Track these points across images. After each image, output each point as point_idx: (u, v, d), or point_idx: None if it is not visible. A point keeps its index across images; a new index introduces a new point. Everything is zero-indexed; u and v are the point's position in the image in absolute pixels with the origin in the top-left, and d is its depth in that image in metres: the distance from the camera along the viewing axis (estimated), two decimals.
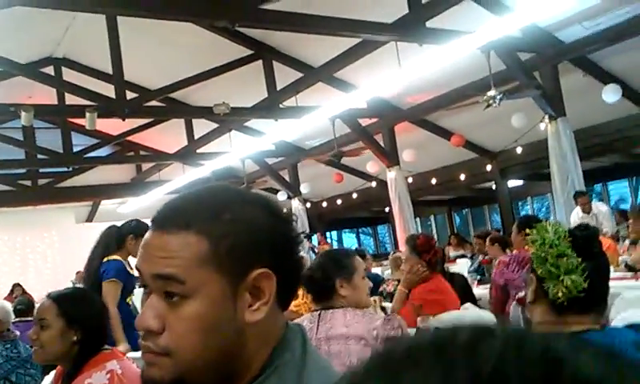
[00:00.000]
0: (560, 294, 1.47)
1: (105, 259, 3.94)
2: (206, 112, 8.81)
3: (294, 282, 0.87)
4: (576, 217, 7.14)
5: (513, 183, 12.35)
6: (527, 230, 3.01)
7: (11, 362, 3.56)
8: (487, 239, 5.76)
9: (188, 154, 11.23)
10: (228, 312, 0.78)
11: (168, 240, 0.79)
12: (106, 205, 14.77)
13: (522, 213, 15.00)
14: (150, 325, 0.78)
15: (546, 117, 7.80)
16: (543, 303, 1.52)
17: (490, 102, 6.99)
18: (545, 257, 1.56)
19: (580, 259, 1.49)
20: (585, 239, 1.55)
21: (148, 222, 0.88)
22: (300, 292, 4.62)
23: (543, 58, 7.77)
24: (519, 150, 10.23)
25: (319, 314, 2.29)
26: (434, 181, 12.17)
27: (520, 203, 15.58)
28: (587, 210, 7.20)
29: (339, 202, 14.47)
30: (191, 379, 0.78)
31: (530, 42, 7.47)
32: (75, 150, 11.50)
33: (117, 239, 3.99)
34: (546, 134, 7.91)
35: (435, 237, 16.05)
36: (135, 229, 4.00)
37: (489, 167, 11.31)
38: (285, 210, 0.89)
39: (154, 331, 0.78)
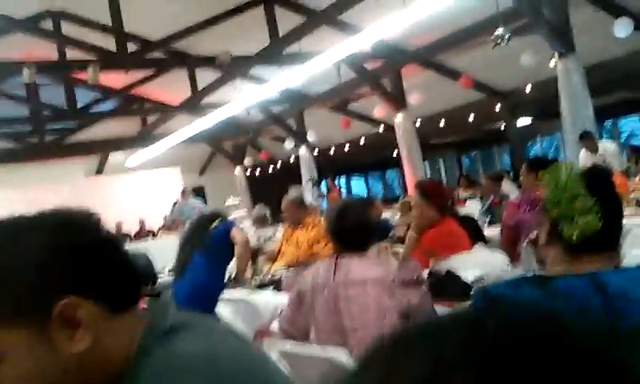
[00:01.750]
0: (574, 236, 1.45)
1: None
2: (209, 61, 8.70)
3: (119, 281, 0.82)
4: (584, 157, 7.07)
5: (522, 122, 12.22)
6: (540, 172, 3.00)
7: None
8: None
9: (193, 105, 11.16)
10: (46, 356, 0.74)
11: None
12: (114, 158, 14.80)
13: (532, 152, 14.90)
14: None
15: (556, 54, 7.63)
16: (557, 245, 1.50)
17: (499, 40, 6.84)
18: (558, 199, 1.53)
19: (594, 199, 1.46)
20: (598, 179, 1.52)
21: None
22: (324, 239, 4.59)
23: None
24: (528, 88, 10.08)
25: (336, 260, 2.31)
26: (442, 123, 12.05)
27: (529, 143, 15.45)
28: (594, 149, 7.11)
29: (347, 147, 14.41)
30: None
31: None
32: (80, 104, 11.45)
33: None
34: (555, 71, 7.75)
35: (444, 180, 16.10)
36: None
37: (498, 107, 11.17)
38: (84, 219, 0.82)
39: None
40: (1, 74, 9.66)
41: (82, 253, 0.79)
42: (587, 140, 7.14)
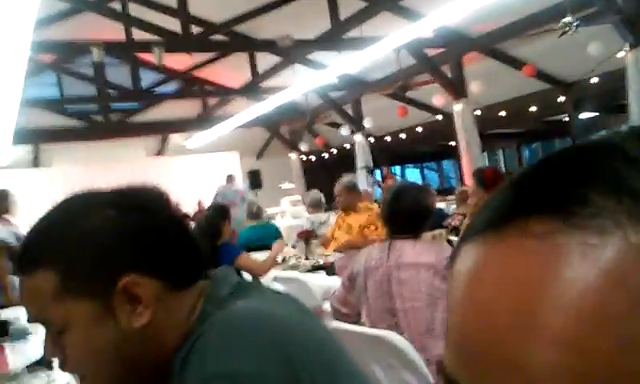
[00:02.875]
0: None
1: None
2: (270, 45, 8.77)
3: (182, 264, 0.84)
4: None
5: (586, 115, 11.81)
6: None
7: None
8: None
9: (252, 89, 11.29)
10: (108, 328, 0.78)
11: (27, 284, 0.80)
12: (175, 139, 15.18)
13: None
14: (51, 358, 0.84)
15: (626, 44, 7.33)
16: None
17: (566, 29, 6.62)
18: None
19: None
20: None
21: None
22: (379, 223, 4.63)
23: None
24: (595, 80, 9.72)
25: (389, 243, 2.32)
26: (502, 113, 11.77)
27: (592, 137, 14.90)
28: None
29: (403, 136, 14.29)
30: None
31: None
32: (143, 85, 11.77)
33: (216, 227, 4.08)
34: (624, 63, 7.45)
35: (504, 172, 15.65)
36: (221, 215, 4.18)
37: (561, 99, 10.82)
38: (149, 197, 0.85)
39: (60, 360, 0.81)
40: (71, 53, 10.05)
41: (149, 232, 0.83)
42: None
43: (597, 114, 12.50)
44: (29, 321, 0.83)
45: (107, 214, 0.82)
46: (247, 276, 3.91)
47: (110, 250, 0.79)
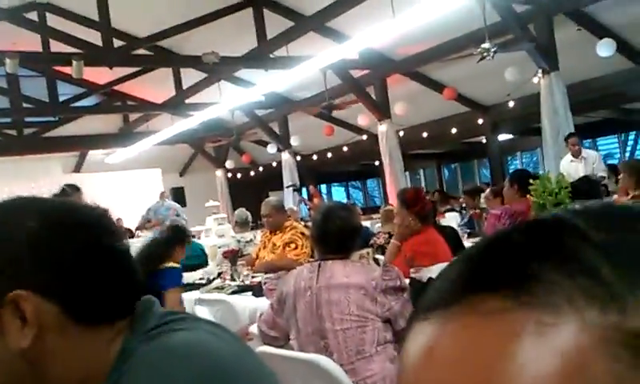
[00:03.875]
0: None
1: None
2: (195, 61, 8.65)
3: (102, 292, 0.78)
4: (566, 162, 7.13)
5: (503, 137, 12.35)
6: (531, 180, 3.02)
7: None
8: (488, 191, 5.82)
9: (176, 105, 11.08)
10: None
11: None
12: (94, 155, 14.63)
13: (511, 167, 15.07)
14: None
15: (540, 70, 7.74)
16: None
17: (485, 54, 6.90)
18: (543, 204, 1.55)
19: None
20: (585, 190, 1.54)
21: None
22: (300, 242, 4.66)
23: (538, 11, 7.66)
24: (511, 103, 10.19)
25: (319, 264, 2.30)
26: (424, 134, 12.13)
27: (509, 158, 15.62)
28: (577, 153, 7.17)
29: (329, 154, 14.43)
30: None
31: None
32: (61, 99, 11.30)
33: (165, 249, 3.79)
34: (538, 88, 7.86)
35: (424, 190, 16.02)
36: (180, 236, 3.89)
37: (480, 121, 11.28)
38: (84, 219, 0.80)
39: None
40: None
41: (64, 255, 0.77)
42: (572, 139, 7.14)
43: (513, 136, 13.11)
44: None
45: (25, 224, 0.77)
46: None
47: (10, 261, 0.75)
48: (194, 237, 7.44)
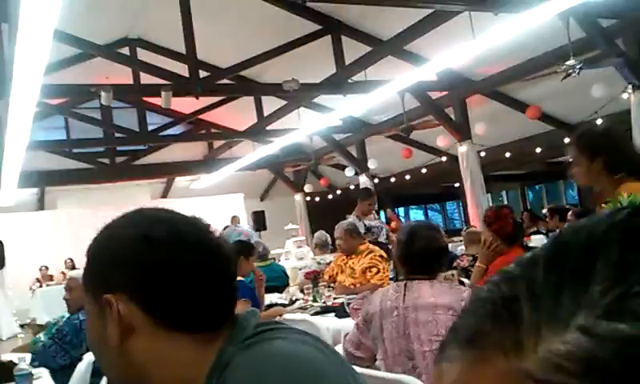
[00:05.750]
0: None
1: None
2: (276, 89, 8.87)
3: (193, 304, 0.83)
4: None
5: None
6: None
7: None
8: (570, 213, 5.59)
9: (257, 132, 11.38)
10: (100, 329, 0.85)
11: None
12: (180, 181, 15.23)
13: None
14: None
15: (629, 86, 7.41)
16: None
17: (569, 71, 6.69)
18: None
19: None
20: None
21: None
22: (380, 265, 4.67)
23: (626, 24, 7.35)
24: (599, 121, 9.78)
25: (405, 284, 2.30)
26: (507, 155, 11.82)
27: None
28: None
29: (408, 177, 14.32)
30: None
31: (613, 7, 7.08)
32: (150, 128, 11.87)
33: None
34: (628, 104, 7.51)
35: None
36: (244, 250, 4.33)
37: (566, 140, 10.87)
38: (185, 237, 0.85)
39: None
40: (81, 96, 10.18)
41: (161, 268, 0.83)
42: None
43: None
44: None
45: (130, 233, 0.86)
46: None
47: (110, 265, 0.85)
48: (273, 259, 7.59)
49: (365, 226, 5.54)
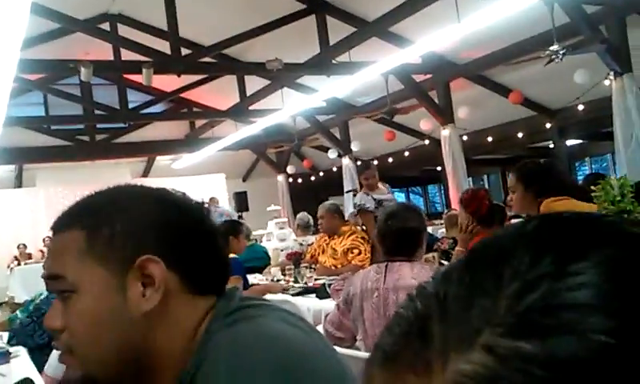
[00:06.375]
0: None
1: None
2: (259, 68, 8.79)
3: (204, 269, 0.85)
4: None
5: (570, 142, 11.95)
6: (592, 187, 2.88)
7: None
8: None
9: (240, 111, 11.30)
10: (117, 303, 0.78)
11: (55, 241, 0.83)
12: (161, 161, 15.10)
13: (580, 173, 14.57)
14: (50, 324, 0.81)
15: (611, 73, 7.46)
16: None
17: (553, 57, 6.70)
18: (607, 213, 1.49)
19: None
20: None
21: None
22: (362, 247, 4.67)
23: (610, 11, 7.39)
24: (580, 107, 9.86)
25: (386, 265, 2.30)
26: (489, 139, 11.89)
27: (577, 163, 15.10)
28: None
29: (390, 160, 14.34)
30: (103, 377, 0.80)
31: None
32: (131, 106, 11.72)
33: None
34: (609, 91, 7.58)
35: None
36: (232, 229, 4.33)
37: (548, 125, 10.96)
38: (190, 202, 0.88)
39: (57, 330, 0.80)
40: (59, 72, 10.01)
41: (181, 229, 0.84)
42: None
43: (581, 140, 12.68)
44: (43, 276, 0.82)
45: (147, 199, 0.85)
46: None
47: (139, 228, 0.81)
48: (255, 240, 7.58)
49: (374, 200, 5.36)
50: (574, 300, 0.28)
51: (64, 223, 0.84)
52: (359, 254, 4.73)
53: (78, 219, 0.82)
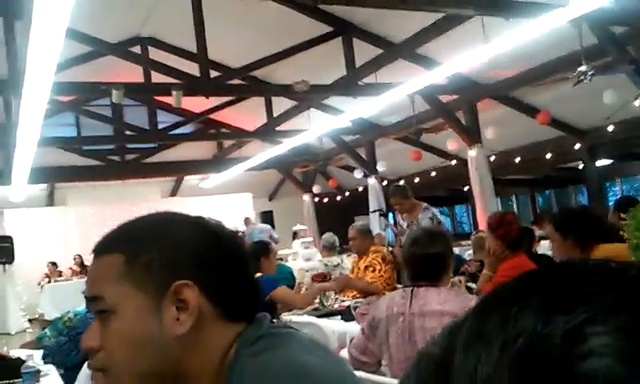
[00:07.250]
0: None
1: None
2: (286, 90, 8.88)
3: (236, 296, 0.87)
4: None
5: (600, 163, 11.77)
6: (622, 215, 2.86)
7: None
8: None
9: (267, 132, 11.40)
10: (152, 326, 0.81)
11: (96, 264, 0.86)
12: (189, 180, 15.28)
13: (610, 194, 14.31)
14: (87, 343, 0.84)
15: None
16: None
17: (581, 77, 6.65)
18: (637, 245, 1.47)
19: None
20: None
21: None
22: (378, 266, 4.65)
23: (637, 32, 7.30)
24: (610, 128, 9.72)
25: (412, 290, 2.30)
26: (517, 159, 11.77)
27: (608, 184, 14.85)
28: None
29: (417, 180, 14.28)
30: None
31: (624, 14, 7.04)
32: (160, 127, 11.92)
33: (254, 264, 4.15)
34: (639, 111, 7.47)
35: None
36: (261, 250, 4.34)
37: (577, 146, 10.82)
38: (225, 230, 0.91)
39: (93, 349, 0.83)
40: (90, 94, 10.25)
41: (218, 256, 0.87)
42: None
43: (611, 161, 12.48)
44: (85, 295, 0.86)
45: (185, 226, 0.88)
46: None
47: (175, 254, 0.84)
48: (281, 260, 7.60)
49: (405, 224, 5.50)
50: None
51: (105, 247, 0.87)
52: (373, 271, 4.71)
53: (118, 244, 0.86)
